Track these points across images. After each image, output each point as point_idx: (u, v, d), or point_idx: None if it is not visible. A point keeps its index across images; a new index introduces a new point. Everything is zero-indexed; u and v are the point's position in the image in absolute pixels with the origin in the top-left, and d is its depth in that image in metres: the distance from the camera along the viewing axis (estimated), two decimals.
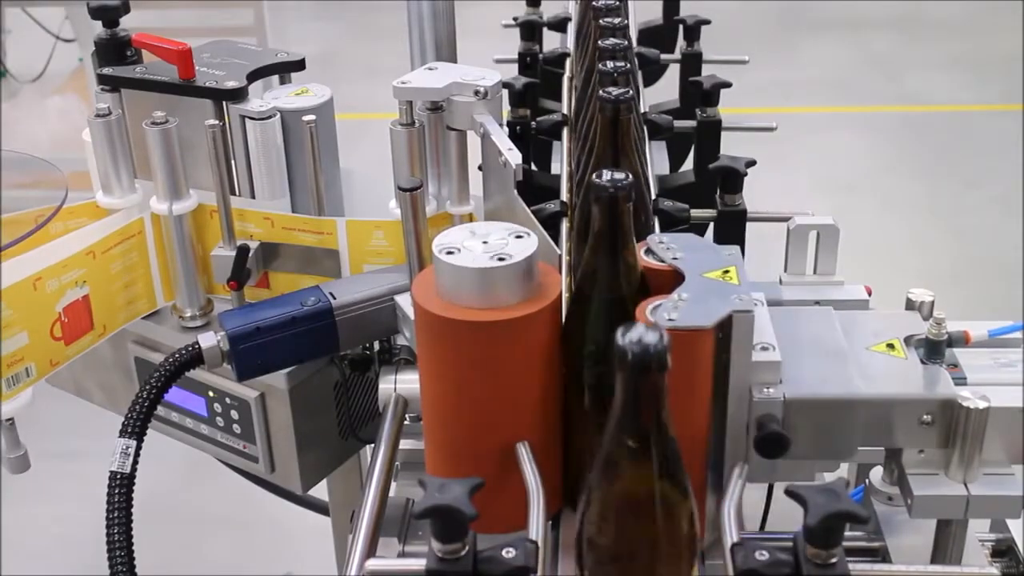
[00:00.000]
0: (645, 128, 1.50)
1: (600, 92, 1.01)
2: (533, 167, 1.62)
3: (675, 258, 0.92)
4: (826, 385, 0.92)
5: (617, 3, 1.32)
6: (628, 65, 1.11)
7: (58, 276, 1.17)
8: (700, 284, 0.89)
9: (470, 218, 1.25)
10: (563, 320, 0.93)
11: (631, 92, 1.01)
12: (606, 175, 0.87)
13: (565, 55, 1.78)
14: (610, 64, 1.10)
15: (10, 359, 1.14)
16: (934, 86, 5.23)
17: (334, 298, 1.16)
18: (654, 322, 0.84)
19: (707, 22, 1.83)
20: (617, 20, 1.24)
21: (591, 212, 0.88)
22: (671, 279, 0.90)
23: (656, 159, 1.71)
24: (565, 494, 0.99)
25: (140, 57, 1.33)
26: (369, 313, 1.17)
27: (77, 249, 1.20)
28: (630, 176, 0.87)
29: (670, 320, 0.85)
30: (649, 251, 0.94)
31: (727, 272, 0.90)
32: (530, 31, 1.85)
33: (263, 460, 1.28)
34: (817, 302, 1.10)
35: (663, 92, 1.91)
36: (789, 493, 0.76)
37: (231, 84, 1.25)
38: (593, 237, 0.89)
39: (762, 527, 1.13)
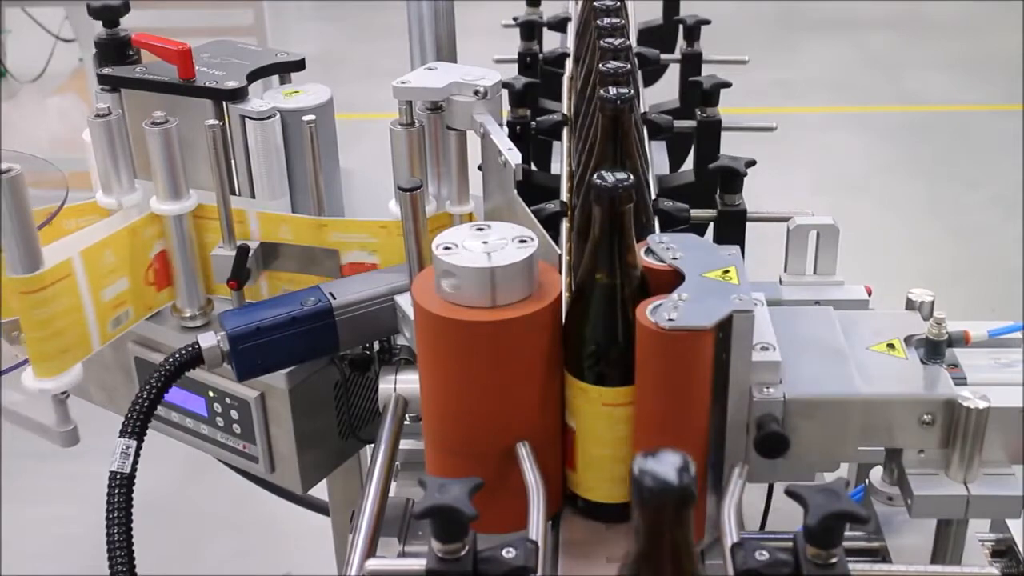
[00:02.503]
0: (645, 128, 1.50)
1: (600, 92, 1.01)
2: (533, 167, 1.62)
3: (675, 258, 0.92)
4: (826, 385, 0.92)
5: (617, 3, 1.32)
6: (628, 66, 1.11)
7: None
8: (700, 284, 0.89)
9: (470, 218, 1.25)
10: (563, 320, 0.93)
11: (631, 92, 1.01)
12: (607, 175, 0.87)
13: (565, 55, 1.78)
14: (610, 64, 1.10)
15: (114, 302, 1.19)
16: (933, 86, 5.23)
17: (334, 298, 1.16)
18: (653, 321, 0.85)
19: (707, 22, 1.83)
20: (617, 21, 1.24)
21: (591, 212, 0.88)
22: (671, 279, 0.90)
23: (656, 159, 1.71)
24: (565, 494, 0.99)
25: (139, 57, 1.33)
26: (369, 313, 1.17)
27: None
28: (631, 177, 0.87)
29: (670, 320, 0.85)
30: (649, 251, 0.94)
31: (727, 272, 0.90)
32: (530, 31, 1.85)
33: (263, 460, 1.28)
34: (817, 302, 1.10)
35: (663, 92, 1.92)
36: (789, 493, 0.76)
37: (231, 84, 1.25)
38: (593, 238, 0.89)
39: (762, 527, 1.13)
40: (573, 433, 0.95)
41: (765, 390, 0.90)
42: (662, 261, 0.92)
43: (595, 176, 0.87)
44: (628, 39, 1.27)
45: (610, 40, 1.18)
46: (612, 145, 1.03)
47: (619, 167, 1.00)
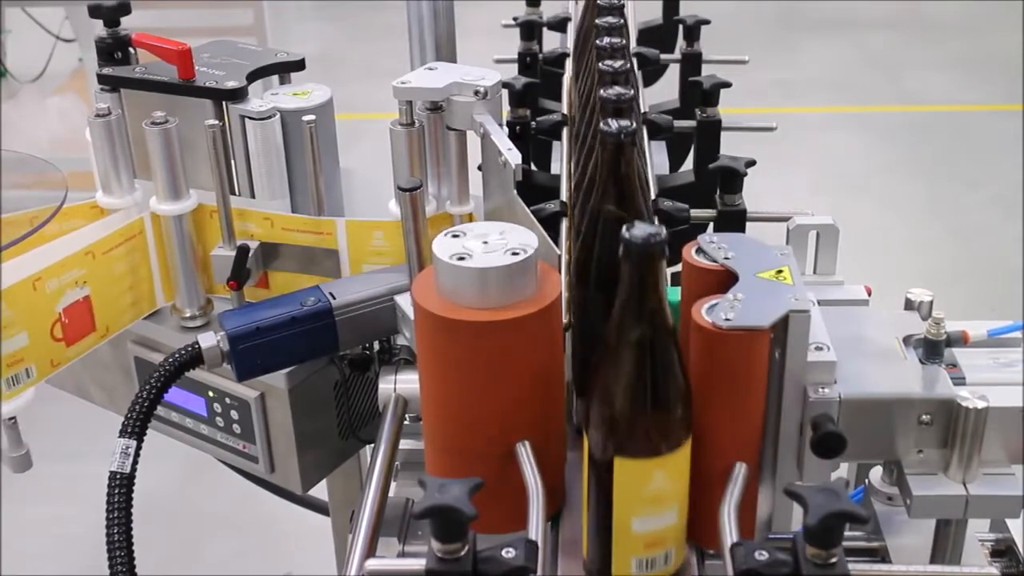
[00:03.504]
0: (645, 128, 1.50)
1: (601, 126, 0.96)
2: (533, 167, 1.62)
3: (727, 258, 0.91)
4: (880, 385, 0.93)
5: (618, 3, 1.32)
6: (628, 65, 1.10)
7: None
8: (754, 284, 0.88)
9: (470, 218, 1.25)
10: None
11: (632, 126, 0.97)
12: (637, 228, 0.81)
13: (565, 55, 1.78)
14: (611, 66, 1.09)
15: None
16: (933, 86, 5.23)
17: (334, 298, 1.16)
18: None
19: (707, 22, 1.83)
20: (616, 20, 1.24)
21: (594, 249, 0.87)
22: (723, 279, 0.90)
23: (656, 159, 1.71)
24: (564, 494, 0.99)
25: (129, 56, 1.33)
26: (369, 313, 1.17)
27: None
28: (663, 230, 0.81)
29: (727, 320, 0.84)
30: (700, 251, 0.93)
31: (780, 272, 0.90)
32: (530, 31, 1.85)
33: (263, 460, 1.28)
34: (817, 302, 1.10)
35: (663, 92, 1.91)
36: (789, 493, 0.76)
37: (231, 84, 1.25)
38: (625, 288, 0.83)
39: None
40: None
41: (820, 390, 0.90)
42: (714, 261, 0.91)
43: (624, 229, 0.81)
44: (627, 40, 1.26)
45: (607, 40, 1.18)
46: (614, 178, 0.99)
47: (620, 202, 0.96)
